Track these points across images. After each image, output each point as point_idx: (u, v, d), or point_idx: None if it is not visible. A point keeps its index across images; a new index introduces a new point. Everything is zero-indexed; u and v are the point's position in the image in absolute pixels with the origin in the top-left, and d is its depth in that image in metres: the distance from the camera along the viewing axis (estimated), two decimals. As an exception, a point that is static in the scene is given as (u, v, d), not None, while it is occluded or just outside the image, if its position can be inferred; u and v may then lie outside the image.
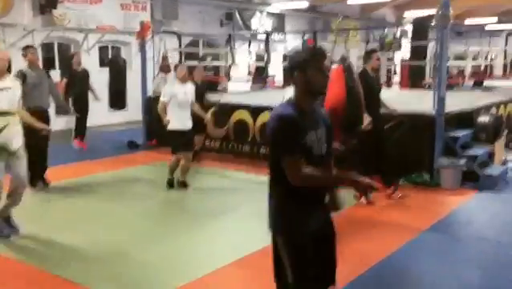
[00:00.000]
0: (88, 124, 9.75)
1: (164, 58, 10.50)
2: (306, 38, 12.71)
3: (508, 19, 18.97)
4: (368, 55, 6.09)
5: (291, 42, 17.71)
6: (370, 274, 4.09)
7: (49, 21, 11.76)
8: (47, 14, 11.73)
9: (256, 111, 8.49)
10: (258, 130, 8.43)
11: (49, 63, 12.26)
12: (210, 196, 6.60)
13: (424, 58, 12.57)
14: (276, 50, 16.57)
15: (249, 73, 15.16)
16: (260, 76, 14.37)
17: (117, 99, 10.79)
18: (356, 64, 8.63)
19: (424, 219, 5.50)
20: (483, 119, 7.49)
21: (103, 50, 13.71)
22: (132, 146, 9.82)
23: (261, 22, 17.58)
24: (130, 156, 9.15)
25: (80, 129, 9.51)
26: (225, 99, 9.48)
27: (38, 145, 6.45)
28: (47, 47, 12.50)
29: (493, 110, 8.48)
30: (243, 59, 14.73)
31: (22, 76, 6.13)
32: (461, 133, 7.17)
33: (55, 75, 11.04)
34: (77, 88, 9.15)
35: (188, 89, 6.67)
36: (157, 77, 10.15)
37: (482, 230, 5.25)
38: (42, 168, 6.76)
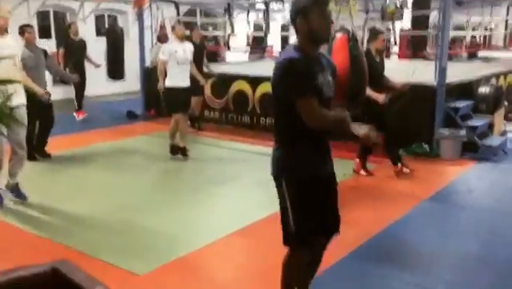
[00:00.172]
0: (86, 94, 9.68)
1: (162, 27, 10.37)
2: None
3: (509, -12, 18.68)
4: (374, 35, 5.77)
5: (290, 11, 17.45)
6: (370, 243, 4.14)
7: (44, -12, 11.55)
8: (42, -18, 11.51)
9: (255, 81, 8.43)
10: (257, 101, 8.40)
11: (44, 32, 12.10)
12: (210, 166, 6.61)
13: (426, 28, 12.43)
14: (275, 20, 16.37)
15: (248, 43, 14.99)
16: (258, 46, 14.23)
17: (115, 69, 10.68)
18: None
19: (424, 189, 5.54)
20: (483, 90, 7.48)
21: (99, 19, 13.50)
22: (131, 116, 9.80)
23: (260, -9, 17.29)
24: (129, 127, 9.13)
25: (79, 101, 9.46)
26: (223, 69, 9.42)
27: (42, 118, 6.47)
28: (43, 15, 12.31)
29: (493, 81, 8.46)
30: (242, 28, 14.55)
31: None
32: (462, 104, 7.16)
33: (51, 44, 10.93)
34: (74, 58, 9.06)
35: (187, 47, 6.61)
36: (155, 46, 10.04)
37: (481, 200, 5.30)
38: (43, 142, 6.77)
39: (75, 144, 7.63)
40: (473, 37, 16.53)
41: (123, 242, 4.19)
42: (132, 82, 11.17)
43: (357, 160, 6.05)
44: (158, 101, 7.89)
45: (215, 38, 14.86)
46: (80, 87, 9.24)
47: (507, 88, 9.12)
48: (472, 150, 6.81)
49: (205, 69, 8.30)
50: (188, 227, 4.57)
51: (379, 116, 5.44)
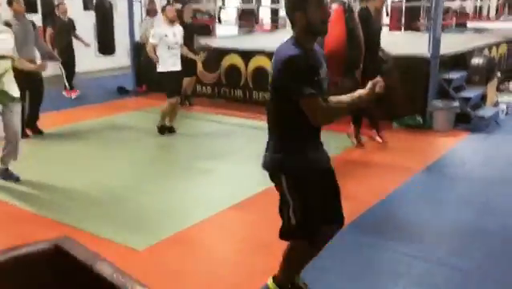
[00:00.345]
0: (77, 70, 9.54)
1: (152, 0, 10.17)
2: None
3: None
4: None
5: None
6: (365, 216, 4.16)
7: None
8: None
9: (248, 55, 8.35)
10: (250, 75, 8.33)
11: (30, 6, 11.80)
12: (204, 140, 6.59)
13: (419, -1, 12.34)
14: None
15: (239, 17, 14.79)
16: (248, 20, 14.04)
17: (105, 45, 10.49)
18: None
19: (417, 161, 5.56)
20: (477, 61, 7.47)
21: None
22: (122, 92, 9.70)
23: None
24: (120, 102, 9.04)
25: (70, 81, 9.32)
26: (215, 43, 9.30)
27: (32, 94, 6.38)
28: (28, -11, 12.01)
29: (486, 52, 8.44)
30: (231, 1, 14.34)
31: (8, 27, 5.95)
32: (455, 75, 7.15)
33: (37, 19, 10.68)
34: (63, 40, 8.93)
35: (177, 30, 6.53)
36: (144, 21, 9.88)
37: (475, 171, 5.34)
38: (34, 118, 6.69)
39: (66, 120, 7.55)
40: (463, 7, 16.44)
41: (119, 218, 4.18)
42: (121, 57, 11.01)
43: (352, 127, 6.06)
44: (149, 76, 7.80)
45: (208, 12, 14.61)
46: (70, 67, 9.13)
47: (499, 59, 9.13)
48: (465, 121, 6.83)
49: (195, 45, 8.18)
50: (185, 202, 4.57)
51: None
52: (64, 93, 9.34)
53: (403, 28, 12.59)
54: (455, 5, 14.80)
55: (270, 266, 2.97)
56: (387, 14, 13.16)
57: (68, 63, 9.01)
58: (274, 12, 15.61)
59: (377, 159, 5.75)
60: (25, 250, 1.89)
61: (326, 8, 2.53)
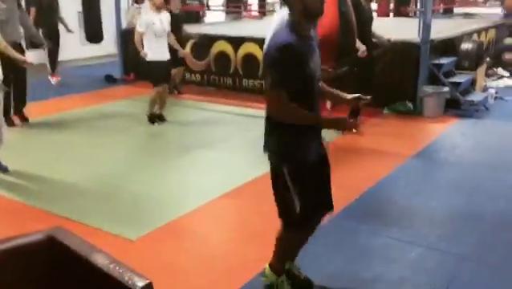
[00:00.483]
0: (62, 58, 9.40)
1: (138, -14, 10.02)
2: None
3: None
4: None
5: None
6: (358, 201, 4.18)
7: None
8: None
9: (237, 42, 8.27)
10: (239, 62, 8.27)
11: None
12: (195, 128, 6.54)
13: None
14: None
15: (226, 3, 14.63)
16: (235, 5, 13.89)
17: (92, 32, 10.33)
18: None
19: (408, 147, 5.58)
20: (466, 46, 7.48)
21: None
22: (110, 80, 9.57)
23: None
24: (108, 91, 8.93)
25: (54, 63, 9.18)
26: (203, 30, 9.21)
27: (16, 80, 6.25)
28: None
29: (475, 37, 8.46)
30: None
31: None
32: (445, 61, 7.16)
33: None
34: (48, 19, 8.74)
35: (164, 18, 6.45)
36: (131, 7, 9.74)
37: (465, 156, 5.37)
38: (20, 104, 6.57)
39: (54, 109, 7.44)
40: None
41: (111, 208, 4.14)
42: (108, 44, 10.85)
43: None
44: (137, 65, 7.69)
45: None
46: (54, 49, 8.96)
47: (488, 44, 9.16)
48: (454, 107, 6.86)
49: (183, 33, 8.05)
50: (177, 190, 4.54)
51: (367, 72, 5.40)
52: (49, 77, 9.19)
53: (392, 14, 12.53)
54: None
55: (262, 254, 2.97)
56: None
57: (53, 45, 8.84)
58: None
59: (368, 145, 5.76)
60: (19, 242, 1.86)
61: None
